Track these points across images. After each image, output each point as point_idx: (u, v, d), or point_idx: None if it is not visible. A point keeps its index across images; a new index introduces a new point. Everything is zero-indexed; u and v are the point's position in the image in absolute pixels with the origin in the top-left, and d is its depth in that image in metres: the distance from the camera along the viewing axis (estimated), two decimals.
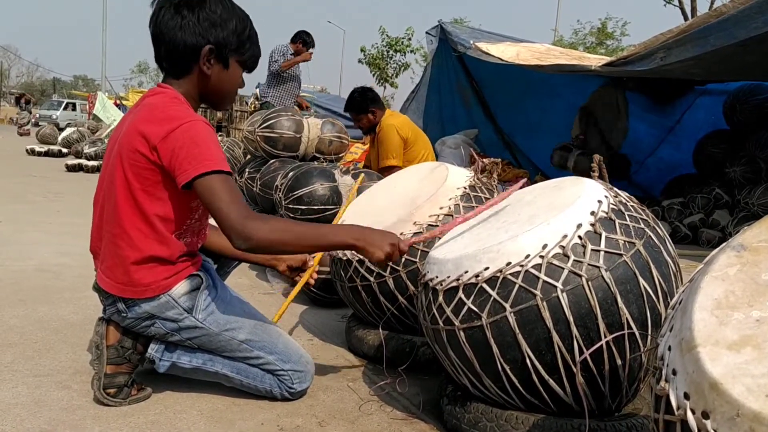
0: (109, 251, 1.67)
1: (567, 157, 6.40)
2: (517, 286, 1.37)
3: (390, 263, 1.77)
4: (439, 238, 1.78)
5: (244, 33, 1.71)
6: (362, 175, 3.23)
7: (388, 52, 26.93)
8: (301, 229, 1.64)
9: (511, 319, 1.37)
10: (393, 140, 4.14)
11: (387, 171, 4.00)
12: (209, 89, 1.73)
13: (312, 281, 2.07)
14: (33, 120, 25.46)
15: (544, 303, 1.35)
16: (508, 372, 1.41)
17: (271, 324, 1.85)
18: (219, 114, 14.53)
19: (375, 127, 4.31)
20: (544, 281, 1.36)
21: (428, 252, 1.73)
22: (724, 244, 0.97)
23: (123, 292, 1.66)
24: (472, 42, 6.33)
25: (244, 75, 1.81)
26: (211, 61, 1.67)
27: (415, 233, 1.90)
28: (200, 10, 1.63)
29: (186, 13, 1.62)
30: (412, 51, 26.79)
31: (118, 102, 22.54)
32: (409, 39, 26.13)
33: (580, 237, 1.39)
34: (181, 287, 1.69)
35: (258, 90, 13.16)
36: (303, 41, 6.67)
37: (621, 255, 1.39)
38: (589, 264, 1.36)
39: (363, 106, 4.24)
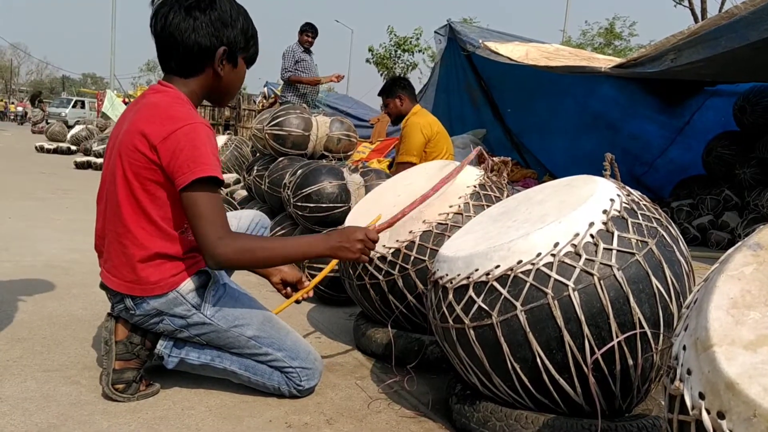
0: (115, 250, 1.66)
1: None
2: (528, 284, 1.36)
3: (368, 256, 1.77)
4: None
5: (248, 31, 1.72)
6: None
7: (396, 51, 26.89)
8: (271, 247, 1.68)
9: (522, 317, 1.36)
10: (415, 138, 4.25)
11: (405, 166, 4.03)
12: (220, 88, 1.74)
13: (306, 295, 1.99)
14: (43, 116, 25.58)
15: (556, 302, 1.34)
16: (518, 371, 1.40)
17: (280, 321, 1.85)
18: (227, 112, 14.60)
19: (402, 118, 4.43)
20: (556, 280, 1.35)
21: (438, 250, 1.72)
22: (740, 242, 0.95)
23: (131, 291, 1.66)
24: (480, 41, 6.33)
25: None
26: (223, 61, 1.68)
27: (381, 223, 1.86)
28: (211, 11, 1.63)
29: (198, 14, 1.62)
30: (420, 51, 26.73)
31: (126, 100, 22.60)
32: (418, 39, 26.08)
33: (592, 236, 1.38)
34: (189, 284, 1.70)
35: (266, 89, 13.19)
36: (302, 31, 6.76)
37: (633, 254, 1.37)
38: (601, 263, 1.35)
39: (392, 91, 4.44)
